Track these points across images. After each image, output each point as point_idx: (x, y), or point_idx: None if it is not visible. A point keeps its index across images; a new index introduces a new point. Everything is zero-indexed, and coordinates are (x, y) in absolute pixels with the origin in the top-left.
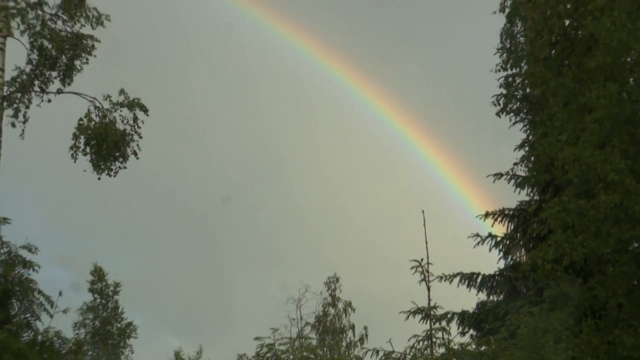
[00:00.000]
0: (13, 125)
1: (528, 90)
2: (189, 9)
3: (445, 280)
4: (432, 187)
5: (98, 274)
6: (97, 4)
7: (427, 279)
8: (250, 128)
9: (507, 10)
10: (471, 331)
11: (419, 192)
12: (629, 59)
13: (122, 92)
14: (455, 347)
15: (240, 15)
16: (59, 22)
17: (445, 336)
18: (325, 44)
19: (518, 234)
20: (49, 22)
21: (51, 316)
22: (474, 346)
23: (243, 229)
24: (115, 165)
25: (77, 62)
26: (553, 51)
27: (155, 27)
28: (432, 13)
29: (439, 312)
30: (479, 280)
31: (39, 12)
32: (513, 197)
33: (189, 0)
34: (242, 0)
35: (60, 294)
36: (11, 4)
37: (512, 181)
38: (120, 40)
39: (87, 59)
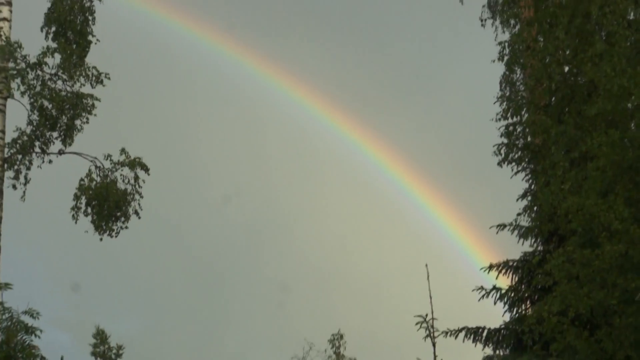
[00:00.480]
0: (14, 187)
1: (529, 139)
2: (193, 64)
3: (450, 335)
4: (436, 240)
5: (100, 336)
6: (97, 63)
7: (432, 334)
8: (254, 183)
9: (505, 58)
10: None
11: (423, 245)
12: (629, 105)
13: (123, 151)
14: None
15: (245, 71)
16: (59, 82)
17: None
18: (327, 97)
19: (523, 286)
20: (48, 82)
21: None
22: None
23: (248, 288)
24: (116, 225)
25: (77, 122)
26: (553, 99)
27: (157, 80)
28: (432, 62)
29: None
30: (484, 334)
31: (39, 72)
32: (517, 248)
33: (194, 56)
34: (247, 56)
35: (61, 359)
36: (11, 64)
37: (516, 232)
38: (122, 96)
39: (88, 118)
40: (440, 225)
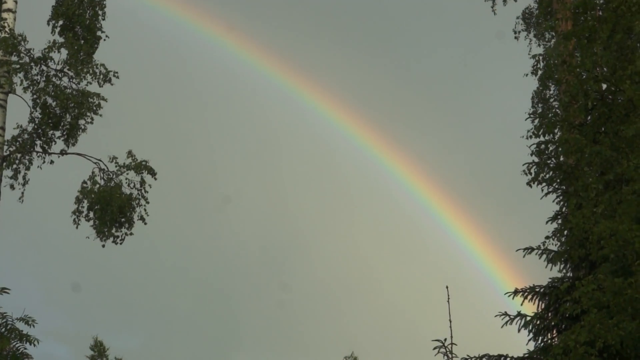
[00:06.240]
0: (12, 187)
1: (561, 159)
2: (209, 71)
3: None
4: (459, 261)
5: (98, 348)
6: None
7: None
8: (272, 200)
9: (539, 72)
10: None
11: (445, 266)
12: None
13: (129, 153)
14: None
15: (265, 79)
16: (64, 79)
17: None
18: (352, 112)
19: (549, 314)
20: (53, 79)
21: None
22: None
23: (256, 305)
24: (120, 231)
25: (81, 122)
26: (589, 117)
27: (167, 82)
28: (464, 78)
29: None
30: None
31: (43, 67)
32: (544, 273)
33: (209, 63)
34: (267, 63)
35: None
36: (14, 58)
37: (544, 256)
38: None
39: (93, 118)
40: (464, 246)
